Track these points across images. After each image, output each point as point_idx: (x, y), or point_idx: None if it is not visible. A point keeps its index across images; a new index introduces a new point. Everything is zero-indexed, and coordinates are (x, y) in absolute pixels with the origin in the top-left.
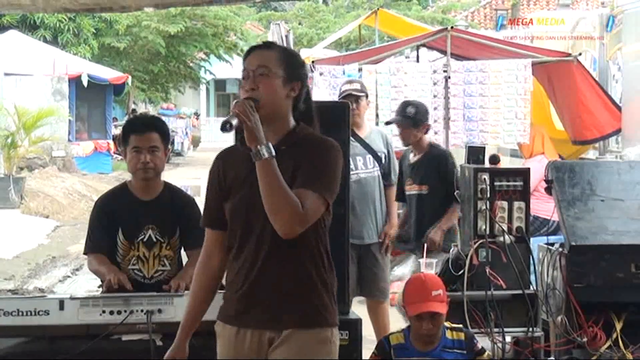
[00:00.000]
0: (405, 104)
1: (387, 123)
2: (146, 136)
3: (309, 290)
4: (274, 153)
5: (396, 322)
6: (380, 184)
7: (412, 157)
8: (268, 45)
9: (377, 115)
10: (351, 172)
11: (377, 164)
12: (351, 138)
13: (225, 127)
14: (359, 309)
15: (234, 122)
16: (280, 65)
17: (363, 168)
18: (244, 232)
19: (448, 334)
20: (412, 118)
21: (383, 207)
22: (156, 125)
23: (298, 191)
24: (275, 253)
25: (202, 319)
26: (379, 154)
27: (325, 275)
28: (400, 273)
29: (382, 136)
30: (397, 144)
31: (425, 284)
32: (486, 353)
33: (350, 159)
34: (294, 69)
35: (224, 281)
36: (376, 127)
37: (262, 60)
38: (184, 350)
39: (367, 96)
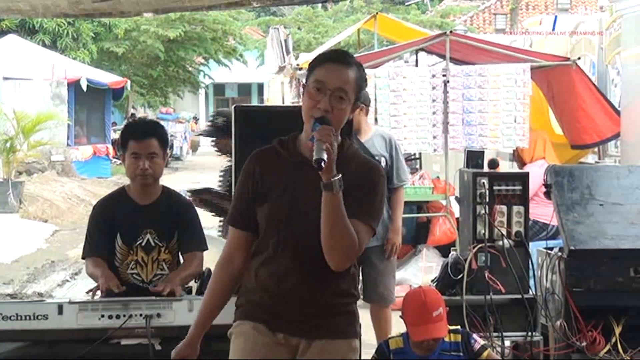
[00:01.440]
0: (217, 114)
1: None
2: (145, 142)
3: (343, 303)
4: (343, 186)
5: (398, 324)
6: None
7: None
8: (348, 61)
9: (375, 120)
10: None
11: None
12: None
13: (320, 165)
14: (360, 312)
15: (325, 156)
16: (354, 89)
17: None
18: (280, 241)
19: (446, 337)
20: (221, 128)
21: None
22: (155, 131)
23: (351, 222)
24: (312, 266)
25: (215, 318)
26: (377, 157)
27: (354, 289)
28: (399, 277)
29: (386, 140)
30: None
31: (425, 306)
32: (486, 351)
33: None
34: (361, 92)
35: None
36: (381, 131)
37: (342, 82)
38: (196, 349)
39: (366, 105)
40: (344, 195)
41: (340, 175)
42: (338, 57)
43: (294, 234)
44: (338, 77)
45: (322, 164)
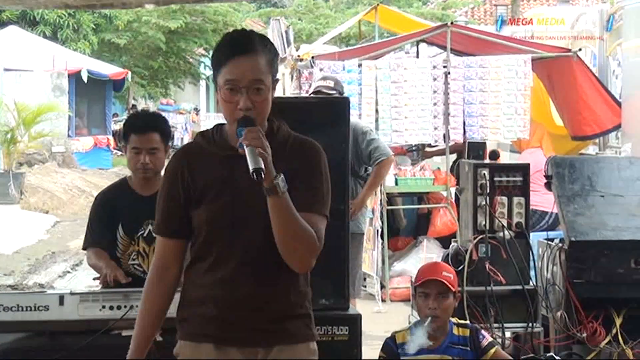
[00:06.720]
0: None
1: None
2: (146, 137)
3: (298, 304)
4: (287, 185)
5: (398, 320)
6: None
7: None
8: (254, 48)
9: (376, 111)
10: None
11: None
12: None
13: (260, 175)
14: (359, 305)
15: (262, 164)
16: (269, 71)
17: None
18: (226, 243)
19: (455, 330)
20: None
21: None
22: (157, 125)
23: (305, 216)
24: (265, 265)
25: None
26: None
27: (307, 288)
28: (400, 269)
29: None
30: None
31: (437, 264)
32: (494, 348)
33: None
34: (275, 66)
35: None
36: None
37: (254, 73)
38: None
39: (340, 94)
40: (290, 182)
41: (281, 175)
42: (243, 47)
43: (241, 232)
44: (249, 69)
45: (262, 174)
